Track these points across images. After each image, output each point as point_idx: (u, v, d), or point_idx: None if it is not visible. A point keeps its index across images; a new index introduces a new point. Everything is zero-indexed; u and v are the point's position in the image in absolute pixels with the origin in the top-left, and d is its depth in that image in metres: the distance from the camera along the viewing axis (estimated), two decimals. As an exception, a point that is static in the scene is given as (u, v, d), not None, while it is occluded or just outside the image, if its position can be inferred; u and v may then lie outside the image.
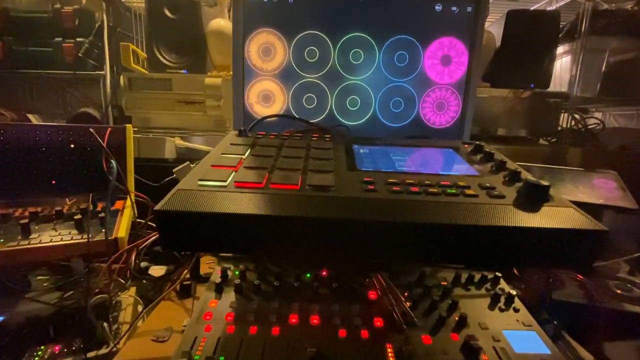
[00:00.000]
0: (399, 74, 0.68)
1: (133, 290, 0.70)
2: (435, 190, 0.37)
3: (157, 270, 0.80)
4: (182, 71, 1.18)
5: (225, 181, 0.37)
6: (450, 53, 0.67)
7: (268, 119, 0.66)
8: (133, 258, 0.73)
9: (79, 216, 0.64)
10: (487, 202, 0.36)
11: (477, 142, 0.53)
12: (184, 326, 0.50)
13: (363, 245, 0.34)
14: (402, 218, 0.33)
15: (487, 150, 0.50)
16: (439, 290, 0.51)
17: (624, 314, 0.66)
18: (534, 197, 0.37)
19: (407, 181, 0.39)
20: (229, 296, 0.48)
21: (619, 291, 0.73)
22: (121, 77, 1.14)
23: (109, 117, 1.16)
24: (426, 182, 0.39)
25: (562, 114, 1.28)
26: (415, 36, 0.66)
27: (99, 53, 1.15)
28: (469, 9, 0.66)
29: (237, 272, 0.52)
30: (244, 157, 0.45)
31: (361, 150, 0.50)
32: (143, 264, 0.79)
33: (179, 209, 0.32)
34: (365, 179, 0.39)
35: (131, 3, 1.32)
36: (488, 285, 0.53)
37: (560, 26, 1.23)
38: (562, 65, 1.35)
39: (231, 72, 1.20)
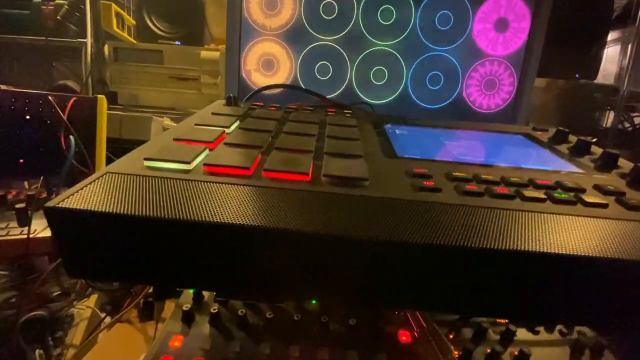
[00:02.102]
0: (440, 41, 0.53)
1: (93, 299, 0.56)
2: (535, 193, 0.23)
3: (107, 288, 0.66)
4: (176, 42, 1.03)
5: (189, 162, 0.23)
6: (508, 16, 0.52)
7: (268, 90, 0.52)
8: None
9: (21, 205, 0.49)
10: (623, 218, 0.21)
11: (560, 128, 0.38)
12: (138, 366, 0.36)
13: (417, 285, 0.19)
14: (492, 243, 0.18)
15: (578, 139, 0.35)
16: (496, 332, 0.36)
17: None
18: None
19: (485, 177, 0.24)
20: (201, 330, 0.33)
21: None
22: (105, 46, 0.99)
23: (89, 90, 1.01)
24: (513, 179, 0.24)
25: (607, 111, 1.12)
26: (465, -10, 0.51)
27: (80, 17, 1.00)
28: (537, -43, 0.50)
29: (212, 296, 0.38)
30: (227, 130, 0.30)
31: (397, 131, 0.35)
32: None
33: (95, 208, 0.17)
34: (416, 170, 0.25)
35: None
36: (562, 328, 0.38)
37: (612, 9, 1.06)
38: (608, 55, 1.18)
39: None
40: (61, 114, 0.58)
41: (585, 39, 1.02)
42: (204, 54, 0.99)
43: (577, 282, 0.18)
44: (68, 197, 0.18)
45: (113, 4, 0.84)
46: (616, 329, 0.32)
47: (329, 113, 0.40)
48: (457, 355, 0.33)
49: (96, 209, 0.17)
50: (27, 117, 0.60)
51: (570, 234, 0.19)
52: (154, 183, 0.20)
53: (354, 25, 0.52)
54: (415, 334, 0.35)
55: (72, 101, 0.60)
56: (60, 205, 0.17)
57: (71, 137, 0.56)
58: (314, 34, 0.53)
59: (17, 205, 0.49)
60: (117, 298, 0.58)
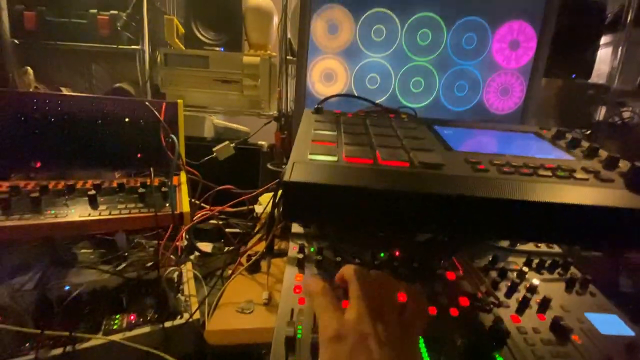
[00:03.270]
0: (466, 57, 0.67)
1: (189, 264, 0.71)
2: (545, 173, 0.37)
3: (204, 247, 0.81)
4: (219, 48, 1.16)
5: (334, 156, 0.37)
6: (519, 37, 0.66)
7: (332, 99, 0.66)
8: (183, 234, 0.74)
9: (142, 190, 0.64)
10: (600, 186, 0.36)
11: (559, 128, 0.52)
12: (265, 299, 0.51)
13: (480, 221, 0.34)
14: (522, 196, 0.33)
15: (571, 135, 0.50)
16: (513, 274, 0.51)
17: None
18: (643, 183, 0.37)
19: (513, 163, 0.39)
20: (312, 271, 0.48)
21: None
22: (157, 52, 1.12)
23: (147, 93, 1.14)
24: (531, 164, 0.39)
25: (599, 107, 1.27)
26: (486, 18, 0.65)
27: (135, 27, 1.12)
28: (543, -9, 0.64)
29: (312, 249, 0.53)
30: (336, 134, 0.45)
31: (445, 132, 0.50)
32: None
33: (306, 180, 0.32)
34: (471, 159, 0.39)
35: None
36: (560, 270, 0.53)
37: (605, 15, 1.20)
38: (601, 56, 1.32)
39: (268, 52, 1.19)
40: (159, 117, 0.72)
41: (580, 43, 1.16)
42: (246, 59, 1.12)
43: (568, 218, 0.33)
44: (290, 175, 0.32)
45: (175, 19, 0.97)
46: (587, 247, 0.47)
47: (392, 117, 0.54)
48: (490, 286, 0.48)
49: (308, 181, 0.32)
50: (126, 119, 0.74)
51: (566, 193, 0.34)
52: (324, 167, 0.35)
53: (398, 45, 0.66)
54: (460, 272, 0.50)
55: (164, 106, 0.74)
56: (291, 179, 0.32)
57: (172, 136, 0.70)
58: (366, 52, 0.67)
59: (140, 191, 0.63)
60: (207, 261, 0.74)
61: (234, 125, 1.16)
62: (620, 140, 1.24)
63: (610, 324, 0.44)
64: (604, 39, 1.31)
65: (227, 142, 0.97)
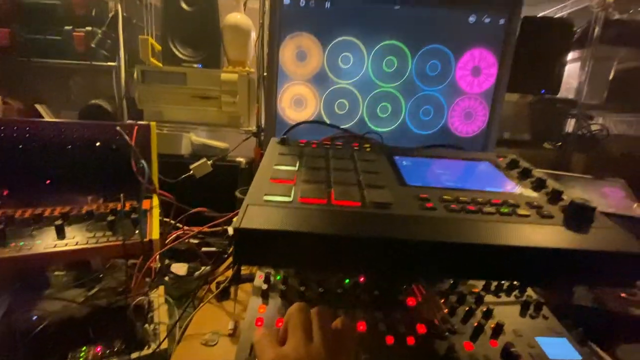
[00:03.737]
0: (430, 83, 0.69)
1: (162, 289, 0.71)
2: (490, 209, 0.39)
3: (178, 268, 0.81)
4: (197, 65, 1.16)
5: (289, 196, 0.38)
6: (481, 64, 0.69)
7: (300, 125, 0.67)
8: (157, 257, 0.74)
9: (112, 217, 0.64)
10: (538, 223, 0.38)
11: (513, 158, 0.55)
12: (230, 330, 0.52)
13: (424, 263, 0.36)
14: (465, 239, 0.35)
15: (523, 165, 0.52)
16: (472, 297, 0.53)
17: (630, 318, 0.70)
18: (580, 218, 0.39)
19: (461, 199, 0.41)
20: (276, 302, 0.49)
21: (623, 295, 0.78)
22: (134, 69, 1.12)
23: (123, 110, 1.14)
24: (479, 199, 0.41)
25: (569, 120, 1.32)
26: (449, 46, 0.67)
27: (111, 44, 1.12)
28: (502, 21, 0.67)
29: (278, 277, 0.54)
30: (296, 169, 0.46)
31: (404, 163, 0.51)
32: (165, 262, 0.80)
33: (256, 226, 0.33)
34: (421, 195, 0.41)
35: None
36: (517, 293, 0.56)
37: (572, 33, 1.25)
38: (570, 71, 1.38)
39: (246, 68, 1.20)
40: (130, 141, 0.72)
41: (548, 59, 1.20)
42: (224, 76, 1.13)
43: (505, 258, 0.35)
44: (241, 222, 0.33)
45: (150, 38, 0.97)
46: (530, 285, 0.49)
47: (355, 148, 0.56)
48: (446, 312, 0.50)
49: (257, 227, 0.33)
50: (97, 144, 0.74)
51: (510, 233, 0.36)
52: (277, 210, 0.36)
53: (365, 72, 0.68)
54: (418, 299, 0.52)
55: (135, 129, 0.74)
56: (242, 226, 0.33)
57: (142, 162, 0.70)
58: (335, 79, 0.68)
59: (109, 218, 0.63)
60: (180, 287, 0.74)
61: (212, 142, 1.16)
62: (588, 152, 1.29)
63: (559, 348, 0.46)
64: (572, 55, 1.37)
65: (204, 160, 0.97)
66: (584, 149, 1.30)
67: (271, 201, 0.38)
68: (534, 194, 0.45)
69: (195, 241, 0.88)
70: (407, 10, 0.65)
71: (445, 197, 0.41)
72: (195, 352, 0.48)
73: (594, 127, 1.34)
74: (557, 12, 1.47)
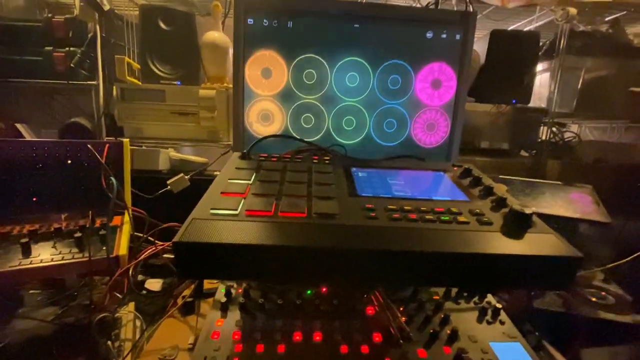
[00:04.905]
0: (392, 97, 0.72)
1: (132, 305, 0.70)
2: (431, 217, 0.41)
3: (153, 284, 0.81)
4: (176, 82, 1.18)
5: (236, 210, 0.40)
6: (440, 77, 0.72)
7: (268, 139, 0.69)
8: (130, 273, 0.74)
9: (79, 234, 0.64)
10: (477, 230, 0.40)
11: (466, 167, 0.57)
12: (190, 344, 0.52)
13: (367, 270, 0.37)
14: (402, 247, 0.36)
15: (475, 174, 0.54)
16: (431, 305, 0.54)
17: (598, 321, 0.71)
18: (518, 224, 0.41)
19: (405, 208, 0.42)
20: (234, 314, 0.50)
21: (594, 299, 0.79)
22: (114, 87, 1.13)
23: (102, 127, 1.15)
24: (422, 208, 0.43)
25: (542, 128, 1.35)
26: (408, 61, 0.70)
27: (90, 63, 1.14)
28: (458, 36, 0.70)
29: (240, 291, 0.54)
30: (250, 182, 0.47)
31: (360, 174, 0.53)
32: (139, 277, 0.80)
33: (196, 240, 0.34)
34: (367, 205, 0.42)
35: (122, 10, 1.31)
36: (476, 299, 0.57)
37: (540, 45, 1.30)
38: (542, 81, 1.42)
39: (225, 84, 1.22)
40: (100, 159, 0.73)
41: (518, 70, 1.25)
42: (202, 92, 1.15)
43: (440, 264, 0.36)
44: (182, 235, 0.34)
45: (126, 57, 0.99)
46: (469, 289, 0.50)
47: (314, 160, 0.58)
48: (404, 320, 0.51)
49: (198, 241, 0.34)
50: (69, 162, 0.75)
51: (447, 240, 0.37)
52: (221, 224, 0.37)
53: (329, 88, 0.71)
54: (377, 308, 0.52)
55: (107, 147, 0.75)
56: (182, 240, 0.34)
57: (112, 178, 0.71)
58: (300, 94, 0.71)
59: (76, 235, 0.64)
60: (155, 301, 0.74)
61: (191, 157, 1.18)
62: (562, 158, 1.32)
63: (512, 353, 0.47)
64: (542, 66, 1.41)
65: (181, 175, 0.99)
66: (558, 156, 1.34)
67: (217, 214, 0.39)
68: (479, 202, 0.47)
69: (171, 256, 0.88)
70: (366, 28, 0.68)
71: (390, 206, 0.43)
72: (152, 367, 0.48)
73: (566, 135, 1.38)
74: (526, 25, 1.53)
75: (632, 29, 1.47)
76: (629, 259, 0.75)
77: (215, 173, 1.14)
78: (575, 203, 0.90)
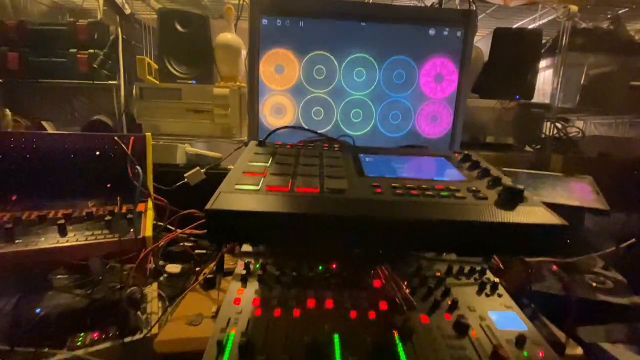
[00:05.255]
0: (397, 90, 0.76)
1: (155, 285, 0.76)
2: (431, 193, 0.45)
3: (172, 269, 0.86)
4: (191, 81, 1.25)
5: (257, 185, 0.45)
6: (442, 72, 0.76)
7: (281, 130, 0.74)
8: (151, 257, 0.80)
9: (109, 217, 0.70)
10: (472, 203, 0.44)
11: (466, 152, 0.61)
12: (213, 312, 0.57)
13: (372, 238, 0.42)
14: (404, 216, 0.41)
15: (474, 159, 0.58)
16: (434, 280, 0.59)
17: (596, 302, 0.74)
18: (510, 199, 0.45)
19: (408, 185, 0.47)
20: (253, 285, 0.55)
21: (594, 284, 0.82)
22: (134, 87, 1.20)
23: (123, 124, 1.22)
24: (423, 186, 0.47)
25: (545, 123, 1.38)
26: (412, 57, 0.75)
27: (112, 64, 1.21)
28: (459, 33, 0.74)
29: (257, 266, 0.59)
30: (267, 165, 0.52)
31: (367, 159, 0.58)
32: (161, 263, 0.86)
33: (225, 207, 0.39)
34: (373, 183, 0.47)
35: (140, 15, 1.39)
36: (476, 276, 0.61)
37: (543, 42, 1.33)
38: (545, 78, 1.45)
39: (237, 83, 1.28)
40: (126, 150, 0.80)
41: (520, 67, 1.28)
42: (216, 90, 1.21)
43: (440, 231, 0.41)
44: (213, 204, 0.40)
45: (146, 58, 1.06)
46: (463, 254, 0.55)
47: (324, 148, 0.63)
48: (408, 292, 0.55)
49: (226, 208, 0.39)
50: (97, 153, 0.81)
51: (445, 210, 0.42)
52: (245, 195, 0.42)
53: (338, 82, 0.76)
54: (383, 281, 0.57)
55: (132, 140, 0.82)
56: (212, 208, 0.39)
57: (138, 167, 0.77)
58: (310, 89, 0.76)
59: (107, 218, 0.70)
60: (175, 283, 0.79)
61: (206, 152, 1.24)
62: (566, 153, 1.35)
63: (508, 320, 0.51)
64: (545, 62, 1.45)
65: (197, 168, 1.04)
66: (562, 151, 1.36)
67: (241, 189, 0.44)
68: (477, 182, 0.51)
69: (189, 244, 0.93)
70: (372, 26, 0.73)
71: (394, 184, 0.47)
72: (181, 330, 0.53)
73: (570, 130, 1.40)
74: (529, 23, 1.56)
75: (633, 25, 1.49)
76: (626, 243, 0.78)
77: (229, 167, 1.19)
78: (575, 192, 0.93)
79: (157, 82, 1.23)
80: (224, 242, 0.57)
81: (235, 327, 0.46)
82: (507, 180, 0.49)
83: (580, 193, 0.93)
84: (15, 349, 0.53)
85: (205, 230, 0.91)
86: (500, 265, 0.72)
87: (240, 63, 1.29)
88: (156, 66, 1.22)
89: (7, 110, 1.10)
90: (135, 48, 1.31)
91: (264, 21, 0.72)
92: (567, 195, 0.92)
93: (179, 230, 0.85)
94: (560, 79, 1.32)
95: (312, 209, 0.41)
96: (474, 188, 0.48)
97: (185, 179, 1.03)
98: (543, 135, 1.38)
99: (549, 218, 0.41)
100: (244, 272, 0.56)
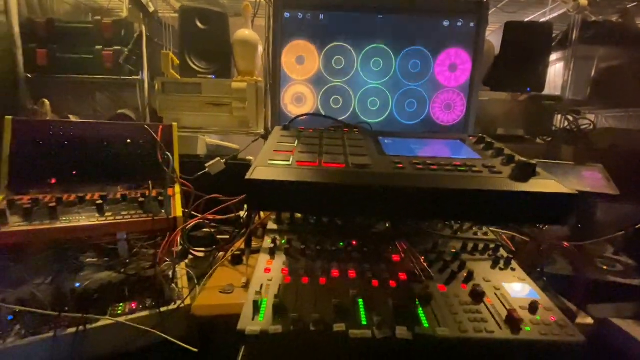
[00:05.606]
0: (413, 79, 0.80)
1: (183, 264, 0.81)
2: (450, 168, 0.49)
3: (196, 252, 0.91)
4: (211, 76, 1.29)
5: (288, 161, 0.49)
6: (456, 61, 0.79)
7: (301, 117, 0.78)
8: (178, 239, 0.85)
9: (142, 199, 0.75)
10: (489, 176, 0.48)
11: (481, 135, 0.64)
12: (244, 282, 0.62)
13: (396, 206, 0.45)
14: (425, 186, 0.44)
15: (488, 140, 0.62)
16: (450, 255, 0.62)
17: (606, 283, 0.77)
18: (524, 173, 0.48)
19: (427, 162, 0.51)
20: (281, 258, 0.59)
21: (605, 267, 0.85)
22: (156, 81, 1.26)
23: (146, 117, 1.27)
24: (442, 162, 0.51)
25: (556, 116, 1.40)
26: (427, 47, 0.78)
27: (136, 60, 1.27)
28: (472, 24, 0.78)
29: (284, 241, 0.63)
30: (294, 145, 0.56)
31: (386, 141, 0.62)
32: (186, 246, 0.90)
33: (262, 177, 0.44)
34: (395, 160, 0.51)
35: (161, 13, 1.44)
36: (490, 252, 0.64)
37: (553, 36, 1.35)
38: (556, 70, 1.47)
39: (254, 77, 1.33)
40: (157, 138, 0.84)
41: (532, 60, 1.30)
42: (235, 84, 1.26)
43: (460, 200, 0.44)
44: (252, 174, 0.44)
45: (170, 53, 1.11)
46: (479, 222, 0.58)
47: (345, 132, 0.67)
48: (426, 265, 0.59)
49: (264, 178, 0.43)
50: (128, 141, 0.86)
51: (463, 182, 0.46)
52: (278, 169, 0.46)
53: (355, 72, 0.79)
54: (402, 255, 0.61)
55: (160, 129, 0.87)
56: (251, 177, 0.43)
57: (168, 154, 0.82)
58: (329, 78, 0.80)
59: (140, 200, 0.75)
60: (200, 264, 0.84)
61: (225, 143, 1.29)
62: (577, 145, 1.36)
63: (521, 290, 0.55)
64: (556, 55, 1.46)
65: (218, 159, 1.09)
66: (573, 143, 1.38)
67: (274, 164, 0.48)
68: (492, 159, 0.55)
69: (212, 230, 0.98)
70: (389, 18, 0.77)
71: (414, 161, 0.51)
72: (215, 297, 0.58)
73: (581, 122, 1.42)
74: (540, 17, 1.57)
75: (643, 18, 1.51)
76: (638, 226, 0.80)
77: (248, 158, 1.24)
78: (586, 179, 0.95)
79: (179, 77, 1.28)
80: (261, 209, 0.61)
81: (268, 291, 0.51)
82: (520, 157, 0.53)
83: (591, 180, 0.95)
84: (62, 314, 0.58)
85: (227, 216, 0.95)
86: (512, 247, 0.75)
87: (257, 58, 1.33)
88: (177, 61, 1.27)
89: (46, 100, 1.16)
90: (157, 45, 1.37)
91: (286, 15, 0.76)
92: (577, 182, 0.95)
93: (206, 216, 0.89)
94: (571, 72, 1.34)
95: (340, 180, 0.45)
96: (489, 164, 0.51)
97: (207, 169, 1.08)
98: (554, 128, 1.39)
99: (560, 188, 0.44)
100: (272, 246, 0.61)
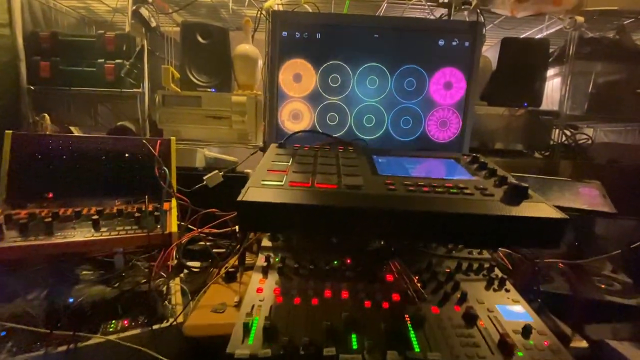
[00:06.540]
0: (408, 97, 0.81)
1: (177, 280, 0.81)
2: (441, 190, 0.49)
3: (191, 267, 0.91)
4: (211, 90, 1.31)
5: (281, 181, 0.49)
6: (451, 80, 0.80)
7: (298, 134, 0.79)
8: (174, 254, 0.85)
9: (138, 214, 0.75)
10: (480, 199, 0.48)
11: (474, 155, 0.65)
12: (236, 302, 0.61)
13: (387, 228, 0.46)
14: (416, 209, 0.44)
15: (482, 160, 0.62)
16: (443, 275, 0.62)
17: (603, 303, 0.76)
18: (516, 196, 0.48)
19: (419, 183, 0.51)
20: (274, 277, 0.59)
21: (602, 286, 0.84)
22: (156, 94, 1.27)
23: (146, 130, 1.28)
24: (434, 184, 0.51)
25: (554, 130, 1.41)
26: (422, 66, 0.79)
27: (137, 73, 1.29)
28: (467, 43, 0.79)
29: (277, 259, 0.63)
30: (289, 164, 0.57)
31: (380, 160, 0.62)
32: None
33: (253, 199, 0.44)
34: (387, 181, 0.51)
35: (163, 27, 1.47)
36: (485, 272, 0.64)
37: (550, 51, 1.37)
38: (554, 86, 1.48)
39: (254, 91, 1.34)
40: (154, 152, 0.85)
41: (529, 75, 1.31)
42: (234, 98, 1.27)
43: (449, 223, 0.44)
44: (244, 196, 0.44)
45: (171, 67, 1.13)
46: (468, 246, 0.58)
47: (340, 150, 0.67)
48: (419, 285, 0.59)
49: (255, 200, 0.44)
50: (126, 155, 0.87)
51: (454, 205, 0.46)
52: (271, 190, 0.47)
53: (352, 90, 0.80)
54: (395, 275, 0.60)
55: (158, 143, 0.87)
56: (243, 199, 0.43)
57: (165, 169, 0.83)
58: (326, 96, 0.81)
59: (136, 215, 0.75)
60: (195, 278, 0.84)
61: (223, 156, 1.29)
62: (575, 159, 1.37)
63: (515, 313, 0.54)
64: (553, 71, 1.47)
65: (216, 171, 1.10)
66: (571, 157, 1.38)
67: (267, 185, 0.49)
68: (484, 181, 0.55)
69: (208, 243, 0.98)
70: (384, 37, 0.78)
71: (406, 182, 0.51)
72: (207, 316, 0.57)
73: (580, 137, 1.42)
74: (537, 33, 1.59)
75: (638, 34, 1.52)
76: (634, 245, 0.80)
77: (246, 171, 1.25)
78: (583, 196, 0.95)
79: (179, 90, 1.29)
80: (252, 230, 0.61)
81: (259, 312, 0.50)
82: (512, 179, 0.53)
83: (588, 197, 0.95)
84: (54, 332, 0.58)
85: (223, 230, 0.95)
86: (509, 265, 0.75)
87: (257, 72, 1.35)
88: (178, 75, 1.29)
89: (46, 115, 1.18)
90: (158, 59, 1.39)
91: (284, 34, 0.78)
92: (574, 199, 0.95)
93: (202, 229, 0.89)
94: (568, 87, 1.35)
95: (331, 202, 0.45)
96: (481, 186, 0.51)
97: (204, 181, 1.08)
98: (552, 142, 1.40)
99: (551, 212, 0.45)
100: (265, 264, 0.61)
